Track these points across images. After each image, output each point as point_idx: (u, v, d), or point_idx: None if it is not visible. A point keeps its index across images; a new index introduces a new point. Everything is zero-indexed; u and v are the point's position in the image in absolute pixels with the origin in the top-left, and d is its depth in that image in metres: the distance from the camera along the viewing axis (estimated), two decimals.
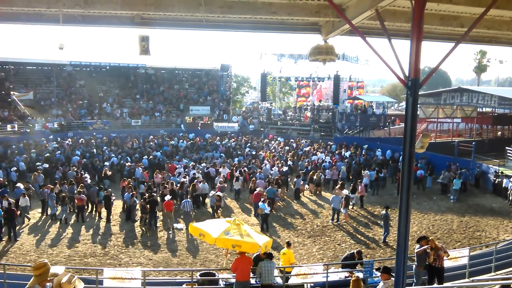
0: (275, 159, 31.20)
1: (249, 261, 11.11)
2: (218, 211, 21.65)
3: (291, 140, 39.83)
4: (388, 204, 20.03)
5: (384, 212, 18.85)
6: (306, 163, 30.19)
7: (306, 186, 26.86)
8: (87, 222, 20.77)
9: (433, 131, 40.19)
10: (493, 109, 42.93)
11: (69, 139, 36.09)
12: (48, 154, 30.22)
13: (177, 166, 28.13)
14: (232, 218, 11.98)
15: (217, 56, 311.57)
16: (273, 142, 39.66)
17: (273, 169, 27.82)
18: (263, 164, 29.43)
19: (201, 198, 23.77)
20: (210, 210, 22.51)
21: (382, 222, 19.27)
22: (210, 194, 22.34)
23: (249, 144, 37.71)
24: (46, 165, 27.40)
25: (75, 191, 21.87)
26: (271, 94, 67.83)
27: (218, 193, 22.07)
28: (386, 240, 18.58)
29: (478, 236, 19.25)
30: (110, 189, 22.25)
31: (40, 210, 22.07)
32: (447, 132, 43.43)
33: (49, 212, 21.51)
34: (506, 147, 31.38)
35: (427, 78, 7.28)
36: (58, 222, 20.46)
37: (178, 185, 23.21)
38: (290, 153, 33.51)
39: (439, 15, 10.13)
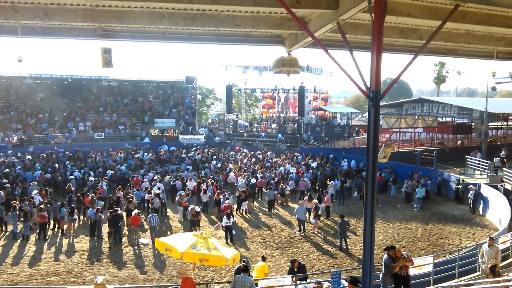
0: (242, 171, 31.10)
1: (192, 285, 10.60)
2: (196, 227, 20.27)
3: (258, 152, 39.86)
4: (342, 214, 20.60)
5: (340, 221, 19.20)
6: (273, 174, 30.24)
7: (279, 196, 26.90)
8: (50, 240, 20.10)
9: (395, 141, 41.03)
10: (453, 119, 44.26)
11: (29, 154, 34.92)
12: (7, 170, 29.17)
13: (144, 180, 27.59)
14: (199, 232, 11.83)
15: (182, 68, 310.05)
16: (239, 154, 39.58)
17: (239, 180, 27.72)
18: (229, 176, 29.32)
19: (165, 212, 23.67)
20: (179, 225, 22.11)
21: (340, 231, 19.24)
22: (189, 208, 21.30)
23: (215, 156, 37.50)
24: (5, 180, 26.44)
25: (36, 208, 21.11)
26: (237, 106, 67.95)
27: (197, 207, 21.34)
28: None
29: (441, 244, 19.66)
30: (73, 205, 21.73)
31: None
32: (410, 141, 44.40)
33: (8, 229, 20.72)
34: (466, 156, 32.31)
35: (388, 89, 7.44)
36: (19, 241, 19.71)
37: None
38: (257, 165, 33.49)
39: (399, 28, 10.42)
